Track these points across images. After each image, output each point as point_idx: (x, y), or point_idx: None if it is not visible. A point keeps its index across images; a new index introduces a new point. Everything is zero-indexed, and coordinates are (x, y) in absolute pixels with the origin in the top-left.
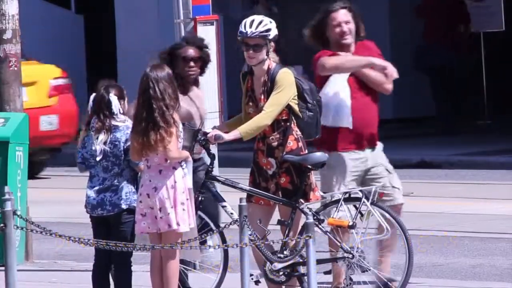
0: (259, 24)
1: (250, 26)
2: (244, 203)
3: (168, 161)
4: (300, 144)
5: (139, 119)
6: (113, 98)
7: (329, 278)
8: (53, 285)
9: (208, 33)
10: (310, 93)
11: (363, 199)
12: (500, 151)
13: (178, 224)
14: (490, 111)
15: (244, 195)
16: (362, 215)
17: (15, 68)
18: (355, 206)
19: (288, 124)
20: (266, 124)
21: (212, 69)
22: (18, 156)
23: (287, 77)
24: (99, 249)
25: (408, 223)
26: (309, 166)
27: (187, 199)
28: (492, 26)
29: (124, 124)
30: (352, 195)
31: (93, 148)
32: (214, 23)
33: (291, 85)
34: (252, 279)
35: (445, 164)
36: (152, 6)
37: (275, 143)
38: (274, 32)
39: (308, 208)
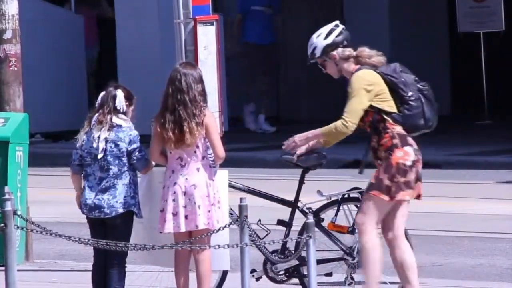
0: (310, 49)
1: (307, 53)
2: (244, 203)
3: (205, 159)
4: (396, 140)
5: (170, 110)
6: (120, 93)
7: (330, 279)
8: (53, 285)
9: (208, 33)
10: (404, 85)
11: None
12: (500, 151)
13: (217, 222)
14: (490, 111)
15: (244, 195)
16: None
17: (15, 68)
18: (356, 206)
19: (382, 124)
20: (342, 130)
21: (212, 69)
22: (18, 156)
23: (357, 81)
24: (98, 249)
25: (408, 223)
26: (306, 167)
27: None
28: (492, 26)
29: (127, 125)
30: (351, 196)
31: (94, 145)
32: (214, 23)
33: (362, 88)
34: (253, 275)
35: (445, 164)
36: (152, 6)
37: (375, 145)
38: (322, 45)
39: (307, 208)
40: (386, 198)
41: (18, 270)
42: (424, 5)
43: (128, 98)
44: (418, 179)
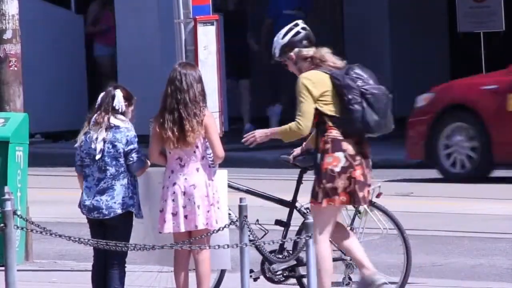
0: (272, 48)
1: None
2: (244, 203)
3: (204, 159)
4: (328, 145)
5: (168, 110)
6: (118, 93)
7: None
8: (53, 285)
9: (208, 33)
10: (346, 89)
11: None
12: None
13: (216, 222)
14: None
15: (243, 195)
16: (359, 212)
17: (15, 68)
18: (354, 206)
19: (323, 126)
20: (296, 131)
21: (212, 69)
22: (18, 156)
23: (301, 82)
24: (98, 249)
25: (408, 223)
26: (304, 167)
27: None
28: (492, 26)
29: (125, 126)
30: None
31: (92, 146)
32: (214, 23)
33: (306, 89)
34: (251, 276)
35: None
36: (152, 6)
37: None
38: (280, 45)
39: (305, 208)
40: (317, 204)
41: (18, 270)
42: (424, 5)
43: (128, 98)
44: (364, 185)
